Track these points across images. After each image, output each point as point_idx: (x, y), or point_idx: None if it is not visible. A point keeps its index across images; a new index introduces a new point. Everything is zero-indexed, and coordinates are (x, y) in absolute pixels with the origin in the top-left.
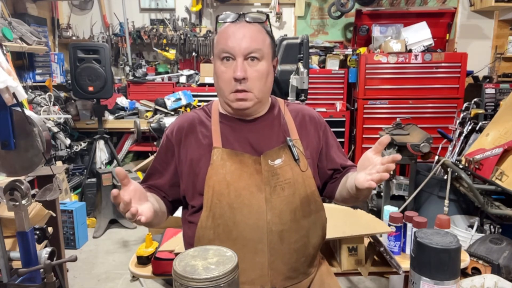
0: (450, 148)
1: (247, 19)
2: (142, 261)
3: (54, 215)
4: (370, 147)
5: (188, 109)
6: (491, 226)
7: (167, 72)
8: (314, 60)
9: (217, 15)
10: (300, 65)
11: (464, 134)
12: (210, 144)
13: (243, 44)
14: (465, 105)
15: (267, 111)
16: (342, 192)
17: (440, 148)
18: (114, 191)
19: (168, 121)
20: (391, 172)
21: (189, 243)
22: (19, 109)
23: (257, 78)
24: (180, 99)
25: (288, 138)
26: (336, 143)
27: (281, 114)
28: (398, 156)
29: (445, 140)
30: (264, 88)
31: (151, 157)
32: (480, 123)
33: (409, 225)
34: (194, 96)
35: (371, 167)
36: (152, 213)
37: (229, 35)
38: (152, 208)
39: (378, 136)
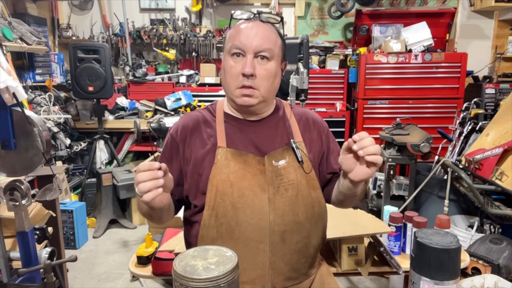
0: (450, 148)
1: (262, 18)
2: (142, 261)
3: (54, 215)
4: None
5: (188, 109)
6: (491, 226)
7: (167, 72)
8: (314, 60)
9: (232, 11)
10: (300, 65)
11: (464, 134)
12: (215, 144)
13: (255, 41)
14: (465, 105)
15: (272, 113)
16: (338, 195)
17: (440, 148)
18: (163, 165)
19: (168, 121)
20: (391, 172)
21: (191, 243)
22: (19, 109)
23: (265, 77)
24: (180, 99)
25: (292, 140)
26: (337, 148)
27: (285, 116)
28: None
29: (445, 140)
30: (271, 88)
31: (151, 157)
32: (480, 123)
33: (409, 225)
34: (194, 96)
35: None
36: (168, 200)
37: (242, 31)
38: (170, 198)
39: (378, 136)
